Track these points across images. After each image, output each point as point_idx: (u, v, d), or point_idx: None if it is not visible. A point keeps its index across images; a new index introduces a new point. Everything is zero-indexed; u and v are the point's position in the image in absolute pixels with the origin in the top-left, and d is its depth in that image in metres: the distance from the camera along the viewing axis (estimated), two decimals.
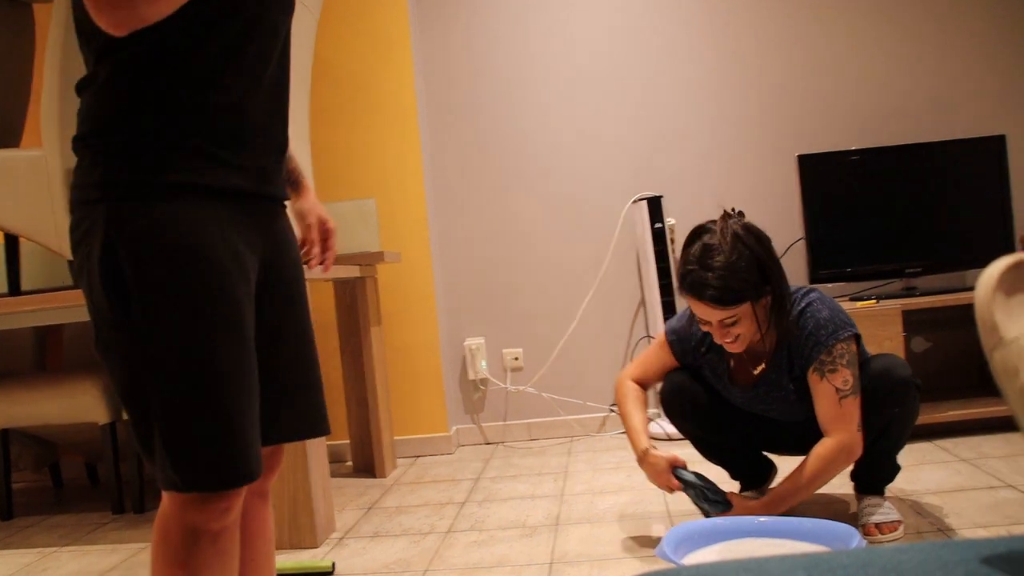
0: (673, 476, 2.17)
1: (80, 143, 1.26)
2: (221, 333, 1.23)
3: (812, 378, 2.08)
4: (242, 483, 1.24)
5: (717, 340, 2.11)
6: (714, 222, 2.10)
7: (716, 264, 2.02)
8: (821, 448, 2.06)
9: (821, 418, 2.07)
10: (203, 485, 1.22)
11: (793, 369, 2.14)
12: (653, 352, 2.38)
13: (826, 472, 2.06)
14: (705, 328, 2.11)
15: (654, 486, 2.43)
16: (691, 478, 2.18)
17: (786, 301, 2.10)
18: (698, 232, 2.11)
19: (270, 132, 1.37)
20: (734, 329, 2.06)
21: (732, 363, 2.25)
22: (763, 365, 2.19)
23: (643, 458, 2.21)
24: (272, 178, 1.39)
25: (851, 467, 2.26)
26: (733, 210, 2.13)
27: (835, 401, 2.04)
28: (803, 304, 2.12)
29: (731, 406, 2.31)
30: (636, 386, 2.34)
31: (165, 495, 1.26)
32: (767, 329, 2.13)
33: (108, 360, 1.24)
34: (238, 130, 1.29)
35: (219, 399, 1.22)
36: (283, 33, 1.39)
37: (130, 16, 1.10)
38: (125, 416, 3.09)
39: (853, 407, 2.04)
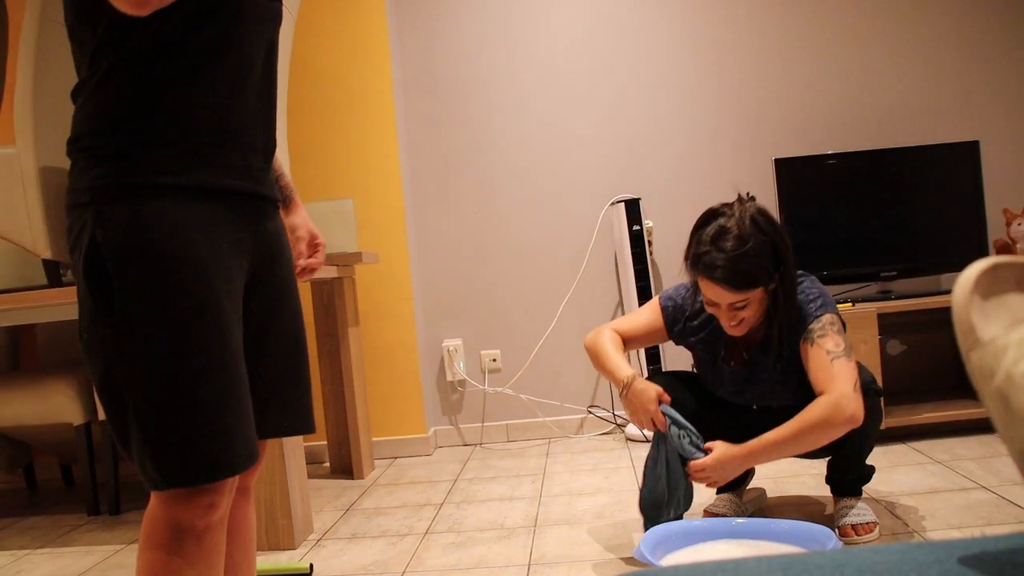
0: (660, 411, 2.13)
1: (73, 146, 1.27)
2: (199, 331, 1.24)
3: (803, 348, 2.07)
4: (221, 477, 1.24)
5: (723, 322, 2.09)
6: (728, 205, 2.08)
7: (732, 247, 2.00)
8: (812, 405, 1.99)
9: (814, 381, 2.03)
10: (182, 481, 1.22)
11: (782, 349, 2.14)
12: (642, 313, 2.33)
13: (813, 429, 1.97)
14: (712, 310, 2.10)
15: (635, 431, 2.30)
16: (679, 416, 2.13)
17: (794, 287, 2.10)
18: (712, 214, 2.09)
19: (256, 133, 1.38)
20: (741, 312, 2.05)
21: (726, 343, 2.25)
22: (749, 353, 2.20)
23: (629, 385, 2.15)
24: (260, 178, 1.40)
25: (826, 470, 2.27)
26: (747, 194, 2.13)
27: (826, 362, 2.01)
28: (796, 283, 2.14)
29: (709, 408, 2.31)
30: (615, 334, 2.28)
31: (152, 494, 1.26)
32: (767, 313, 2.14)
33: (89, 357, 1.26)
34: (224, 129, 1.31)
35: (197, 396, 1.22)
36: (267, 38, 1.40)
37: None
38: (102, 416, 3.06)
39: (847, 367, 2.00)
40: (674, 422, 2.13)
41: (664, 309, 2.29)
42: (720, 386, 2.28)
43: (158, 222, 1.22)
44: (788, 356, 2.13)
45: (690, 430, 2.13)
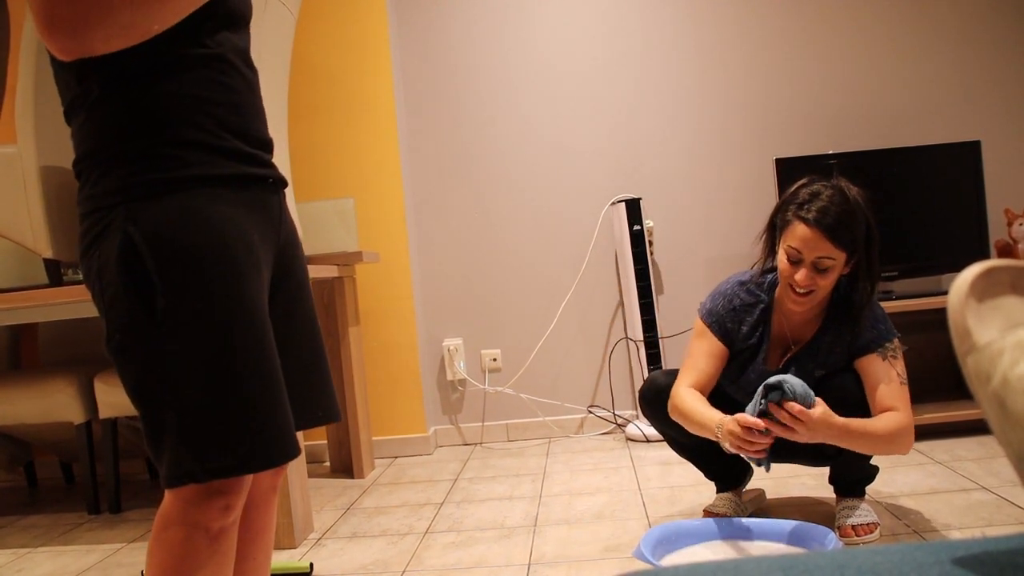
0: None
1: (87, 161, 1.26)
2: (243, 325, 1.25)
3: (870, 359, 2.09)
4: (270, 465, 1.26)
5: (798, 282, 2.04)
6: (825, 179, 2.10)
7: (840, 202, 2.02)
8: (892, 417, 2.00)
9: (881, 396, 2.05)
10: (231, 470, 1.23)
11: (832, 353, 2.15)
12: (696, 348, 2.26)
13: (887, 439, 1.98)
14: (788, 272, 2.06)
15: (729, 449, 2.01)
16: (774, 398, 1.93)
17: (875, 275, 2.11)
18: (813, 180, 2.11)
19: (261, 127, 1.40)
20: (819, 278, 2.04)
21: (772, 341, 2.23)
22: (796, 350, 2.20)
23: (721, 428, 1.99)
24: (271, 164, 1.42)
25: (829, 471, 2.27)
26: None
27: (898, 384, 2.05)
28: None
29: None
30: (692, 389, 2.18)
31: (169, 494, 1.26)
32: (827, 304, 2.15)
33: (123, 359, 1.24)
34: (238, 122, 1.32)
35: (246, 386, 1.24)
36: (247, 29, 1.43)
37: (81, 48, 1.15)
38: (102, 414, 3.07)
39: (908, 397, 2.05)
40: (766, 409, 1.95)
41: (711, 326, 2.24)
42: (746, 384, 2.26)
43: (194, 216, 1.23)
44: (830, 364, 2.15)
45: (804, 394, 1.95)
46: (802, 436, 1.93)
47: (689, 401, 2.14)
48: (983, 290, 0.60)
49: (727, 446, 1.98)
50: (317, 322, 1.52)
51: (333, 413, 1.51)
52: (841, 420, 1.96)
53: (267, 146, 1.42)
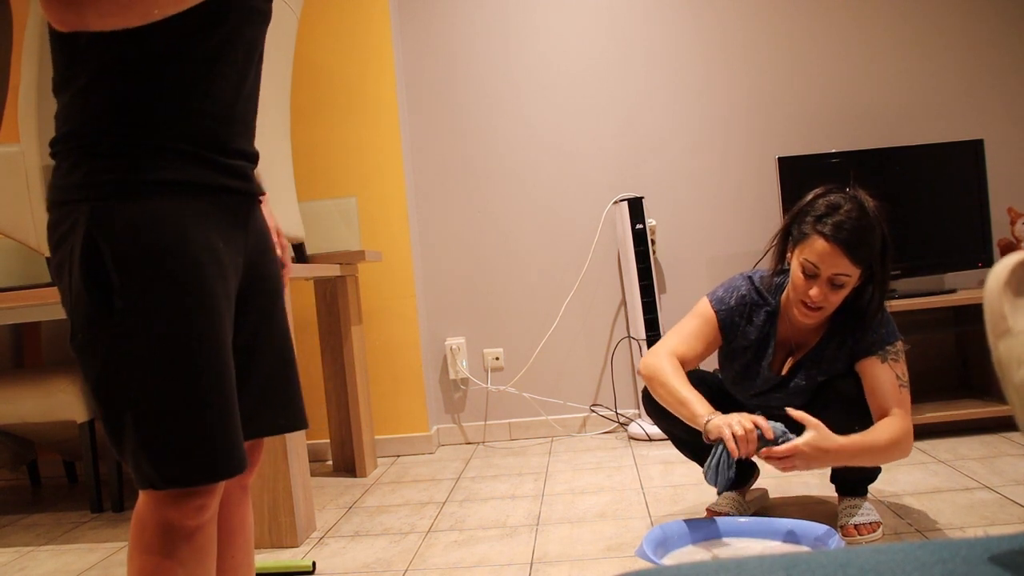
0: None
1: (61, 145, 1.25)
2: (201, 332, 1.23)
3: (870, 362, 2.07)
4: (225, 477, 1.24)
5: (812, 298, 2.00)
6: (842, 188, 2.07)
7: (858, 217, 1.99)
8: (891, 425, 1.98)
9: (881, 398, 2.03)
10: (184, 481, 1.22)
11: (837, 360, 2.14)
12: (695, 326, 2.21)
13: (889, 448, 1.96)
14: (803, 286, 2.02)
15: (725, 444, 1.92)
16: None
17: (887, 285, 2.08)
18: (830, 190, 2.07)
19: (246, 139, 1.39)
20: (832, 294, 2.01)
21: (776, 345, 2.22)
22: (799, 354, 2.19)
23: (711, 421, 1.95)
24: (251, 178, 1.41)
25: (830, 470, 2.27)
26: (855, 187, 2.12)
27: (896, 386, 2.03)
28: None
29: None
30: (675, 360, 2.12)
31: (142, 493, 1.25)
32: (834, 314, 2.14)
33: (85, 358, 1.24)
34: (219, 136, 1.31)
35: (200, 396, 1.22)
36: (261, 46, 1.41)
37: (76, 20, 1.14)
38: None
39: (908, 399, 2.03)
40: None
41: (718, 313, 2.22)
42: (750, 387, 2.25)
43: (156, 220, 1.22)
44: (833, 369, 2.15)
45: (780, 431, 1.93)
46: (803, 466, 1.91)
47: (672, 374, 2.08)
48: (1020, 280, 0.60)
49: (713, 434, 1.93)
50: (289, 333, 1.50)
51: (298, 422, 1.49)
52: (837, 442, 1.91)
53: (249, 157, 1.40)
